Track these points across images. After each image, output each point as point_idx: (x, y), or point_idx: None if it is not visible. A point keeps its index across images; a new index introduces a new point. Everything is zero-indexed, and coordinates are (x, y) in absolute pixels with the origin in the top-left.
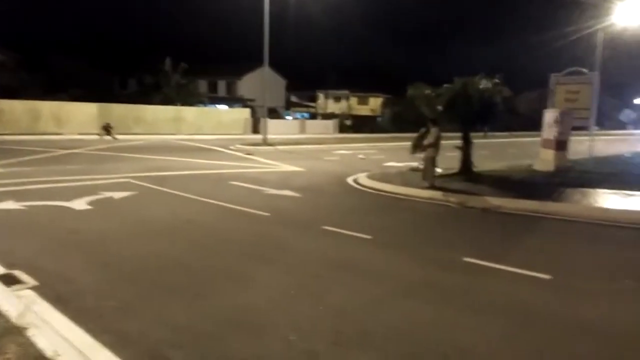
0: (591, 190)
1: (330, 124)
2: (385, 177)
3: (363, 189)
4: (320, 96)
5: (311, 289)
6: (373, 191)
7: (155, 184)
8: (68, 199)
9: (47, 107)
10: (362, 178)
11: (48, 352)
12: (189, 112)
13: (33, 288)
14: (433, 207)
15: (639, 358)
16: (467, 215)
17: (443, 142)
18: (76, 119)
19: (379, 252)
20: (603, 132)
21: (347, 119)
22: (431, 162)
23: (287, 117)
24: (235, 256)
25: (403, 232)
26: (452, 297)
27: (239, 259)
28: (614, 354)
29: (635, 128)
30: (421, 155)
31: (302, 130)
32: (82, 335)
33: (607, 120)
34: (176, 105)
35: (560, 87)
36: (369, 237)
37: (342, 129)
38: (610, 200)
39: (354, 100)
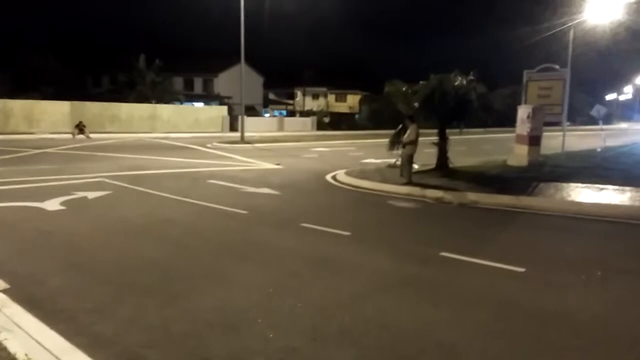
0: (564, 185)
1: (309, 121)
2: (363, 173)
3: (341, 186)
4: (298, 93)
5: (289, 286)
6: (351, 188)
7: (131, 184)
8: (40, 200)
9: (18, 106)
10: (341, 175)
11: (20, 356)
12: (165, 110)
13: (4, 291)
14: (410, 203)
15: (610, 346)
16: (444, 210)
17: (420, 138)
18: (48, 117)
19: (357, 248)
20: (575, 127)
21: (325, 116)
22: (409, 159)
23: (265, 115)
24: (212, 255)
25: (381, 228)
26: (430, 291)
27: (216, 257)
28: (586, 343)
29: (606, 123)
30: (399, 151)
31: (281, 127)
32: (56, 337)
33: (579, 116)
34: (151, 103)
35: (533, 83)
36: (347, 233)
37: (321, 126)
38: (582, 194)
39: (332, 98)
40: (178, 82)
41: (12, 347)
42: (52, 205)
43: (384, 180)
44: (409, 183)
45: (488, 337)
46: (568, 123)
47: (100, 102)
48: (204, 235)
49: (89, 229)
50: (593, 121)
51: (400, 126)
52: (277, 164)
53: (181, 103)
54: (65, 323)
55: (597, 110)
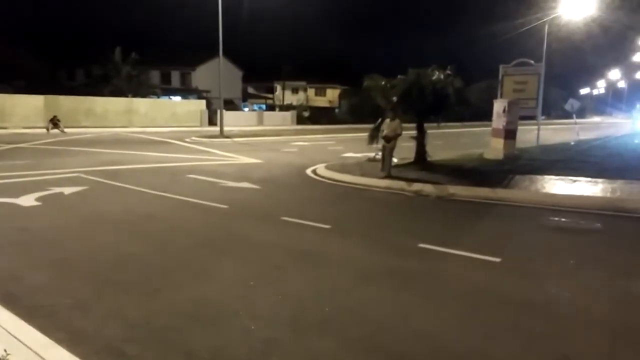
0: (539, 177)
1: (288, 115)
2: (343, 167)
3: (322, 179)
4: (278, 87)
5: (270, 279)
6: (331, 182)
7: (108, 179)
8: (15, 196)
9: None
10: (321, 169)
11: None
12: (141, 104)
13: None
14: (390, 196)
15: (581, 332)
16: (423, 203)
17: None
18: (21, 112)
19: (338, 241)
20: (549, 121)
21: (305, 110)
22: (390, 153)
23: (245, 109)
24: (193, 249)
25: (361, 221)
26: (409, 282)
27: (196, 252)
28: (559, 329)
29: (580, 117)
30: (378, 145)
31: (260, 122)
32: (34, 333)
33: (554, 110)
34: (127, 97)
35: (509, 77)
36: (327, 226)
37: (300, 120)
38: (556, 186)
39: (311, 92)
40: (155, 76)
41: None
42: (28, 201)
43: (364, 174)
44: (389, 176)
45: (465, 325)
46: (543, 117)
47: (74, 96)
48: (184, 230)
49: (66, 224)
50: (567, 115)
51: (380, 120)
52: (258, 159)
53: (158, 97)
54: (45, 319)
55: (571, 104)
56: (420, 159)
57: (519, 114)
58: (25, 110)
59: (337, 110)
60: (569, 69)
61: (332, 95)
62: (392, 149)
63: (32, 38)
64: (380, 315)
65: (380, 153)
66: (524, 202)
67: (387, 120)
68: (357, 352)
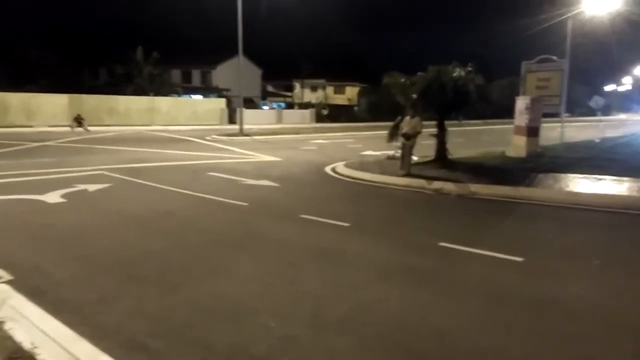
0: (562, 175)
1: (307, 113)
2: (362, 165)
3: (341, 177)
4: (297, 86)
5: (289, 276)
6: (351, 180)
7: (130, 176)
8: (41, 192)
9: (16, 99)
10: (340, 167)
11: (26, 345)
12: (163, 103)
13: (8, 282)
14: (410, 194)
15: (604, 332)
16: (443, 201)
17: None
18: (47, 110)
19: (357, 238)
20: (573, 118)
21: (323, 108)
22: (410, 151)
23: (264, 107)
24: (212, 246)
25: (380, 219)
26: (429, 280)
27: (217, 248)
28: (583, 330)
29: (605, 114)
30: (398, 143)
31: (279, 120)
32: (60, 327)
33: (578, 107)
34: (149, 95)
35: (531, 74)
36: (346, 224)
37: (319, 118)
38: (580, 184)
39: (330, 90)
40: (176, 75)
41: (18, 336)
42: (53, 197)
43: (383, 172)
44: (408, 174)
45: (486, 324)
46: (567, 114)
47: (98, 95)
48: (204, 227)
49: (90, 221)
50: (592, 112)
51: (399, 118)
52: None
53: (179, 95)
54: (70, 313)
55: (596, 101)
56: (441, 157)
57: (542, 111)
58: (51, 109)
59: (356, 108)
60: (593, 65)
61: (351, 93)
62: (411, 147)
63: (56, 38)
64: (399, 314)
65: (399, 151)
66: (547, 200)
67: (407, 118)
68: (376, 350)
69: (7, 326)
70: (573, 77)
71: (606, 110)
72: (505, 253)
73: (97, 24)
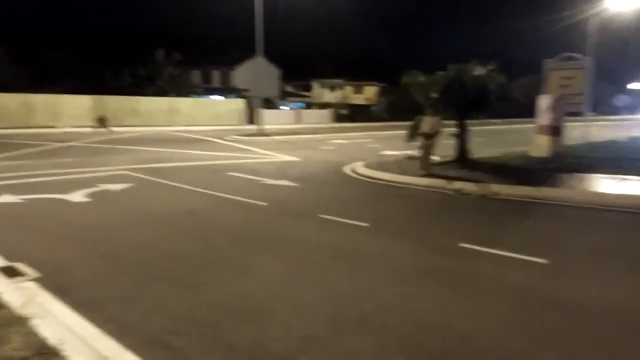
0: (586, 175)
1: (326, 113)
2: (382, 165)
3: (360, 177)
4: (315, 86)
5: (309, 276)
6: (370, 180)
7: (153, 176)
8: (65, 192)
9: (41, 100)
10: (359, 167)
11: (52, 341)
12: (184, 104)
13: (35, 280)
14: (430, 195)
15: (630, 335)
16: (464, 202)
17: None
18: (70, 111)
19: (377, 239)
20: (597, 117)
21: (342, 108)
22: (430, 150)
23: (283, 107)
24: (232, 245)
25: (400, 220)
26: (449, 282)
27: (237, 248)
28: (609, 334)
29: (630, 113)
30: (417, 143)
31: (298, 120)
32: (85, 324)
33: (602, 106)
34: (170, 96)
35: (554, 73)
36: (366, 224)
37: (338, 118)
38: (604, 184)
39: (349, 90)
40: (196, 76)
41: (45, 332)
42: (77, 197)
43: (403, 172)
44: (429, 174)
45: (509, 327)
46: (592, 113)
47: (120, 96)
48: (224, 227)
49: (113, 220)
50: (616, 111)
51: (418, 117)
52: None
53: (199, 96)
54: (94, 311)
55: (621, 100)
56: (462, 157)
57: (565, 111)
58: (74, 109)
59: (374, 108)
60: (617, 62)
61: (369, 92)
62: (431, 147)
63: (78, 40)
64: (419, 315)
65: (419, 151)
66: (571, 201)
67: (427, 117)
68: (396, 351)
69: (34, 323)
70: (597, 75)
71: (632, 109)
72: (528, 255)
73: (120, 26)
